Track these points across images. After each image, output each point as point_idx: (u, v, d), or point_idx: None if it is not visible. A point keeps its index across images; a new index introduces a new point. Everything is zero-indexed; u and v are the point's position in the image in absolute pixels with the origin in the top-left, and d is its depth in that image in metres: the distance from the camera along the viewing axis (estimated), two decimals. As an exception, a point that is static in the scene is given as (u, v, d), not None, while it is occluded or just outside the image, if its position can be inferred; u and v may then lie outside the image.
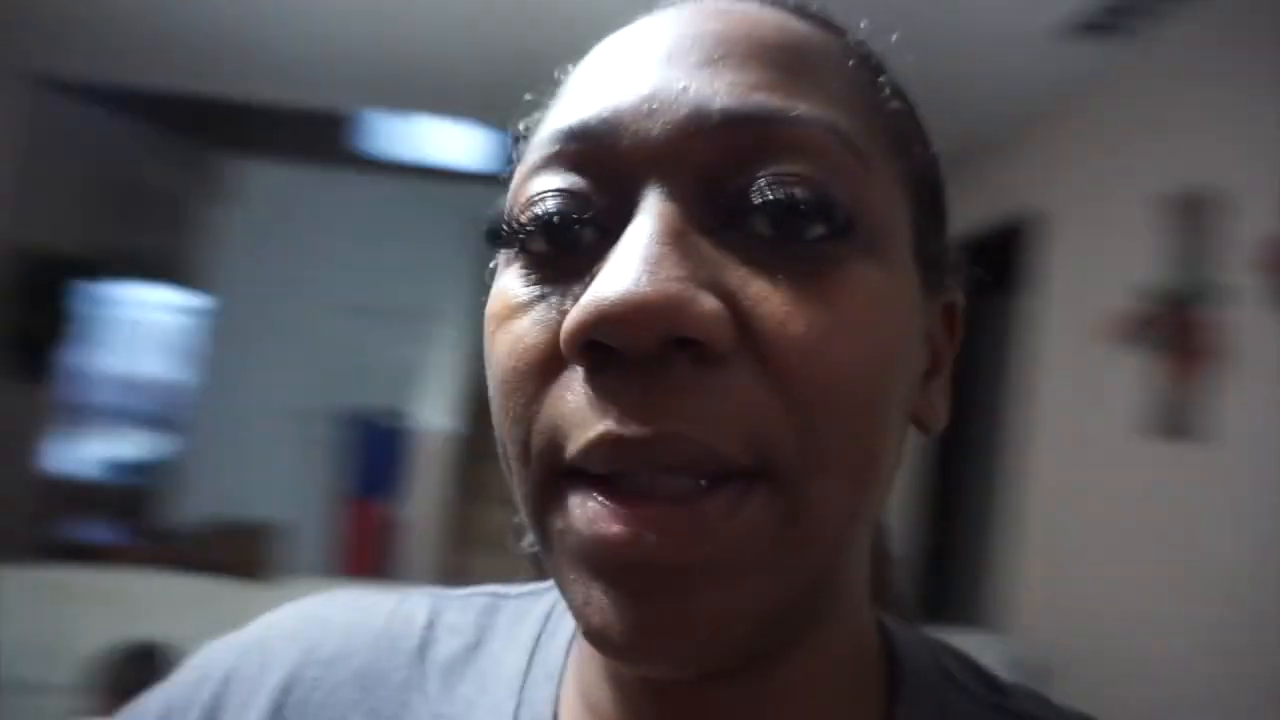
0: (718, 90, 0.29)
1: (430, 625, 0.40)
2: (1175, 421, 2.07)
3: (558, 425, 0.28)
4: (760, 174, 0.28)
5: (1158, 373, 2.14)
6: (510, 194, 0.33)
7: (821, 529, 0.28)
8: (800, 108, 0.29)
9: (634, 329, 0.26)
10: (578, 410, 0.28)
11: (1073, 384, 2.46)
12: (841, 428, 0.28)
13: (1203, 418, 2.00)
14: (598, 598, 0.28)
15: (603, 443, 0.27)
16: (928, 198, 0.35)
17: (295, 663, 0.39)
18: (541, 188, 0.30)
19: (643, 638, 0.27)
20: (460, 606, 0.42)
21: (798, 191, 0.28)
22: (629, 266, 0.26)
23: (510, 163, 0.36)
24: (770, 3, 0.34)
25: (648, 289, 0.26)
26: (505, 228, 0.31)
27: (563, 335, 0.27)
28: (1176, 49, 2.20)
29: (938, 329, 0.36)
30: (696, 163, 0.29)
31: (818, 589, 0.31)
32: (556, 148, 0.30)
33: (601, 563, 0.27)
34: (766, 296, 0.28)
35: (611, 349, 0.27)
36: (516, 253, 0.31)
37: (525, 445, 0.30)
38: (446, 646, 0.40)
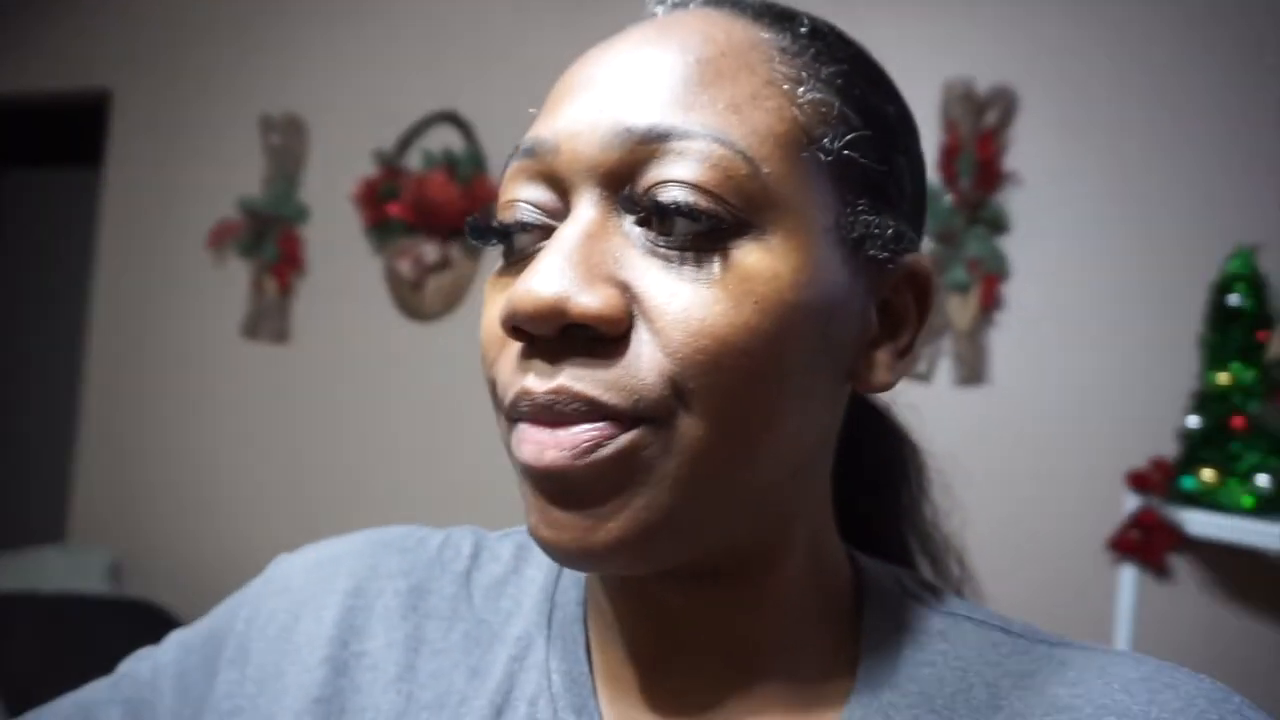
0: (627, 113, 0.35)
1: (475, 555, 0.48)
2: (274, 326, 2.33)
3: (501, 383, 0.37)
4: (655, 179, 0.35)
5: (256, 281, 2.35)
6: (499, 196, 0.40)
7: (698, 465, 0.34)
8: (692, 122, 0.35)
9: (535, 321, 0.34)
10: (510, 372, 0.36)
11: (163, 285, 2.49)
12: (718, 381, 0.34)
13: (289, 322, 2.32)
14: (532, 502, 0.36)
15: (522, 395, 0.35)
16: (858, 178, 0.38)
17: (363, 576, 0.47)
18: (511, 195, 0.38)
19: (560, 532, 0.35)
20: (501, 539, 0.49)
21: (679, 195, 0.34)
22: (539, 270, 0.34)
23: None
24: (713, 4, 0.41)
25: (542, 289, 0.33)
26: (478, 226, 0.39)
27: (498, 319, 0.36)
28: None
29: (898, 297, 0.41)
30: (610, 172, 0.35)
31: (738, 515, 0.37)
32: (520, 161, 0.38)
33: (529, 474, 0.36)
34: (655, 280, 0.34)
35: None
36: (498, 245, 0.39)
37: (494, 395, 0.38)
38: (489, 571, 0.47)
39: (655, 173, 0.35)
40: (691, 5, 0.41)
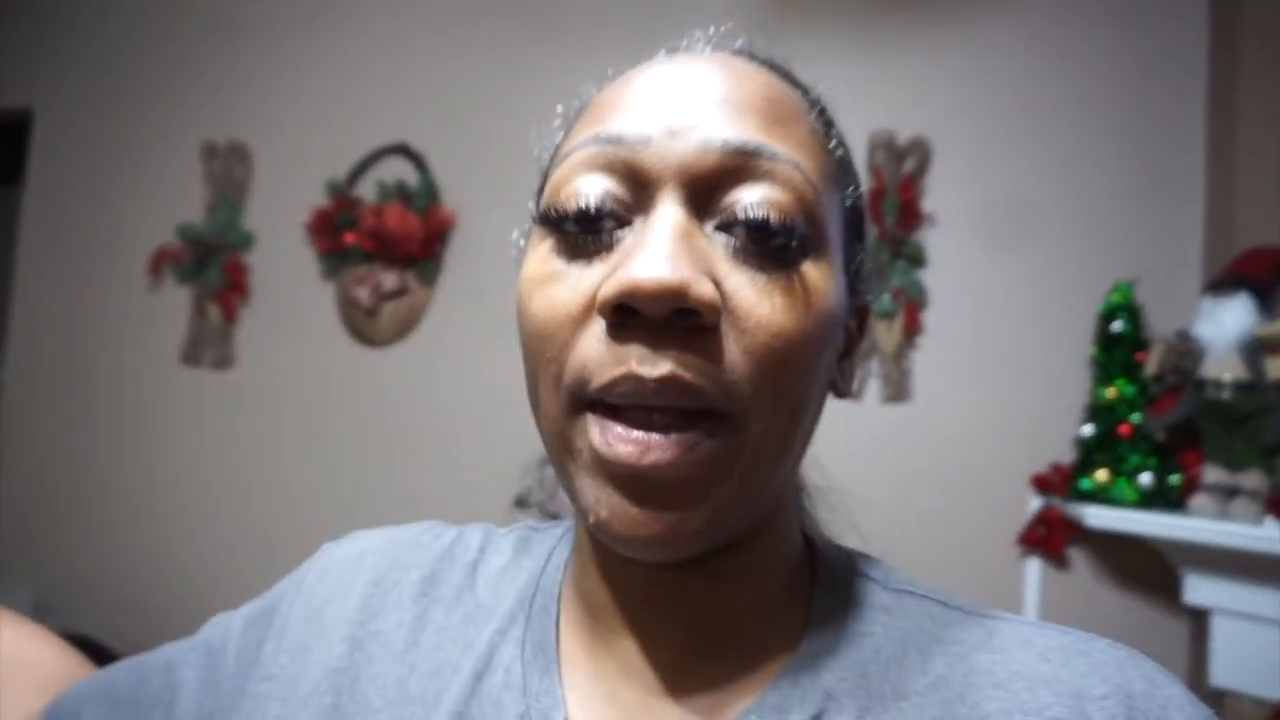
0: (721, 127, 0.38)
1: (482, 548, 0.52)
2: (217, 353, 2.32)
3: (585, 364, 0.37)
4: (744, 194, 0.38)
5: (198, 307, 2.34)
6: (553, 185, 0.41)
7: (759, 457, 0.38)
8: (777, 147, 0.39)
9: (657, 301, 0.35)
10: (603, 354, 0.37)
11: (90, 310, 2.43)
12: (785, 383, 0.38)
13: (233, 348, 2.32)
14: (607, 497, 0.37)
15: (625, 379, 0.36)
16: (854, 222, 0.45)
17: (385, 568, 0.51)
18: (582, 186, 0.39)
19: (640, 528, 0.37)
20: (505, 535, 0.54)
21: (769, 213, 0.37)
22: (655, 255, 0.36)
23: (547, 163, 0.46)
24: (754, 59, 0.45)
25: (668, 274, 0.35)
26: (552, 213, 0.39)
27: (601, 297, 0.36)
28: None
29: (852, 323, 0.47)
30: (700, 178, 0.38)
31: (758, 503, 0.41)
32: (596, 149, 0.39)
33: (613, 472, 0.37)
34: (743, 285, 0.37)
35: (633, 311, 0.36)
36: (550, 232, 0.40)
37: (558, 379, 0.38)
38: (492, 563, 0.51)
39: (745, 187, 0.38)
40: (726, 53, 0.45)
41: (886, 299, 1.99)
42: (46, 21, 2.55)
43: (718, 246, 0.38)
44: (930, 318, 2.00)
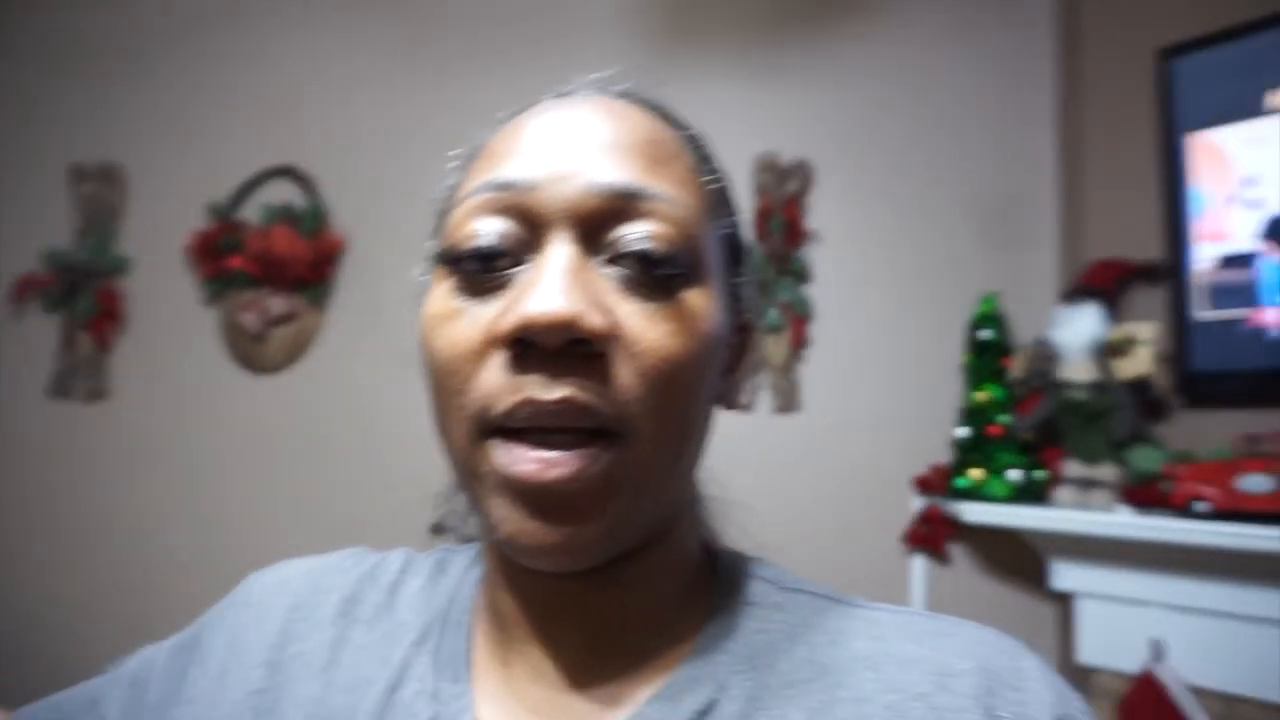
0: (605, 171, 0.41)
1: (403, 570, 0.54)
2: (90, 385, 2.20)
3: (487, 394, 0.40)
4: (628, 230, 0.41)
5: (67, 337, 2.22)
6: (451, 227, 0.43)
7: (651, 471, 0.41)
8: (657, 187, 0.42)
9: (550, 332, 0.38)
10: (504, 383, 0.40)
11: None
12: (673, 401, 0.41)
13: (108, 379, 2.21)
14: (512, 513, 0.40)
15: (525, 404, 0.39)
16: (732, 248, 0.49)
17: (304, 594, 0.53)
18: (478, 228, 0.42)
19: (548, 542, 0.40)
20: (425, 559, 0.56)
21: (652, 247, 0.41)
22: (548, 289, 0.39)
23: (440, 205, 0.48)
24: (637, 101, 0.48)
25: (561, 306, 0.38)
26: (452, 253, 0.43)
27: (500, 331, 0.39)
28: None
29: (736, 341, 0.50)
30: (587, 218, 0.41)
31: (651, 514, 0.43)
32: (490, 195, 0.42)
33: (517, 489, 0.39)
34: (632, 313, 0.41)
35: (530, 343, 0.39)
36: (451, 272, 0.43)
37: (463, 409, 0.41)
38: (412, 584, 0.53)
39: (630, 224, 0.41)
40: (608, 95, 0.48)
41: (774, 314, 2.07)
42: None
43: (608, 279, 0.41)
44: (816, 331, 2.10)
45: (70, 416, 2.22)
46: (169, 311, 2.23)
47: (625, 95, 0.48)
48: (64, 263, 2.22)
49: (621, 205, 0.41)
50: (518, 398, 0.39)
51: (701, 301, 0.43)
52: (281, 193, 2.22)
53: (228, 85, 2.28)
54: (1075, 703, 0.42)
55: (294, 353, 2.17)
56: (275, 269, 2.11)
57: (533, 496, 0.39)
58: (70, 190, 2.26)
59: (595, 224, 0.41)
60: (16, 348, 2.25)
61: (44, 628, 2.08)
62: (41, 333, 2.24)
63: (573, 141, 0.43)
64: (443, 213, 0.48)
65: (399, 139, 2.20)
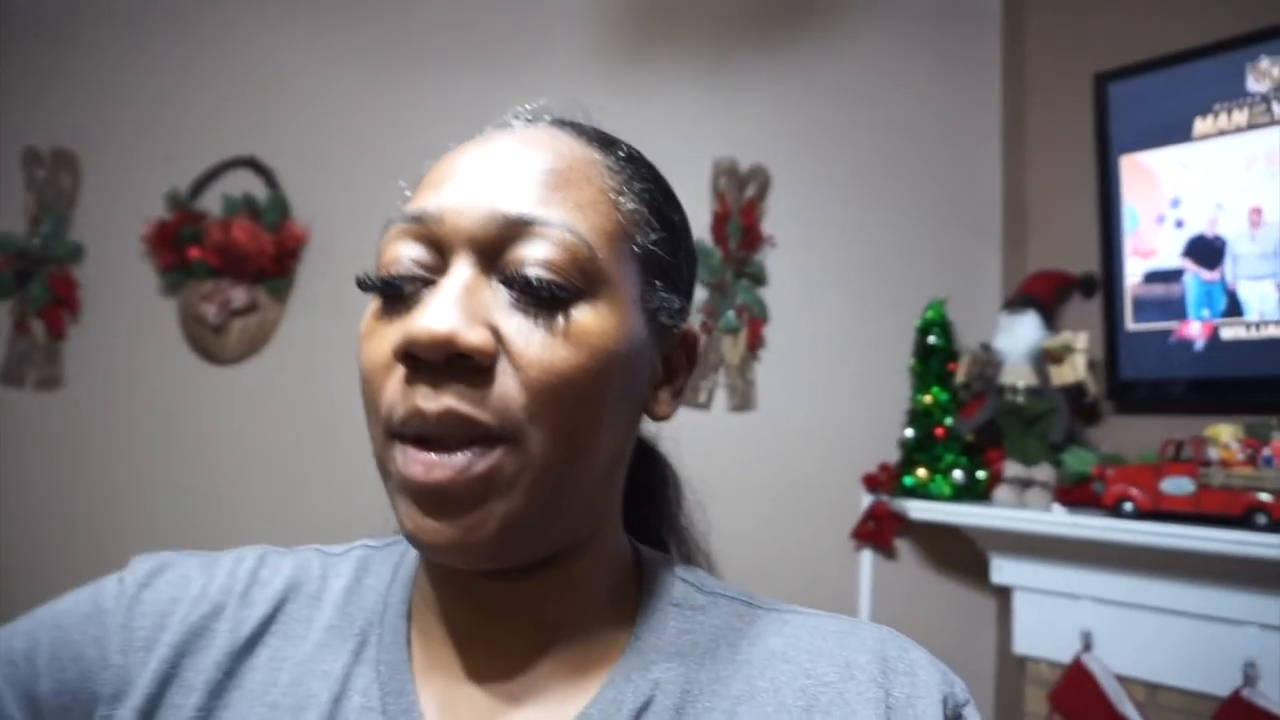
0: (502, 201, 0.45)
1: (323, 575, 0.54)
2: (43, 372, 2.17)
3: (389, 403, 0.44)
4: (520, 254, 0.44)
5: (19, 323, 2.19)
6: (377, 253, 0.47)
7: (545, 474, 0.44)
8: (551, 215, 0.45)
9: (430, 349, 0.42)
10: (399, 394, 0.44)
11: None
12: (560, 410, 0.43)
13: (61, 367, 2.19)
14: (410, 512, 0.43)
15: (412, 414, 0.43)
16: (656, 267, 0.50)
17: (211, 612, 0.51)
18: (394, 254, 0.46)
19: (436, 535, 0.43)
20: (341, 557, 0.56)
21: (539, 270, 0.44)
22: (433, 309, 0.42)
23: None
24: (568, 128, 0.51)
25: (439, 325, 0.41)
26: (369, 279, 0.46)
27: (394, 348, 0.43)
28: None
29: (676, 354, 0.53)
30: (485, 243, 0.44)
31: (555, 516, 0.46)
32: (404, 225, 0.46)
33: (411, 489, 0.43)
34: (519, 329, 0.43)
35: (417, 358, 0.43)
36: (377, 293, 0.47)
37: (377, 415, 0.45)
38: (335, 588, 0.53)
39: (521, 250, 0.44)
40: (540, 124, 0.51)
41: (731, 315, 2.13)
42: None
43: (501, 297, 0.44)
44: (771, 332, 2.16)
45: (23, 403, 2.19)
46: (126, 300, 2.21)
47: (558, 123, 0.52)
48: (16, 248, 2.18)
49: (514, 232, 0.44)
50: (407, 407, 0.43)
51: (595, 318, 0.45)
52: (243, 183, 2.22)
53: (189, 73, 2.27)
54: (958, 683, 0.48)
55: (254, 344, 2.17)
56: (236, 260, 2.11)
57: (423, 495, 0.43)
58: (24, 175, 2.22)
59: (493, 248, 0.44)
60: (-36, 334, 2.20)
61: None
62: (-8, 318, 2.20)
63: (481, 174, 0.46)
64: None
65: (363, 133, 2.21)
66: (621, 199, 0.48)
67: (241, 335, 2.16)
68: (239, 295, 2.12)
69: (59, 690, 0.49)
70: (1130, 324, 1.83)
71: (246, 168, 2.22)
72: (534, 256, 0.44)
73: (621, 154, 0.51)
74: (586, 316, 0.45)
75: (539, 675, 0.48)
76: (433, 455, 0.42)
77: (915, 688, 0.47)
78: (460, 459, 0.42)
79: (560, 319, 0.44)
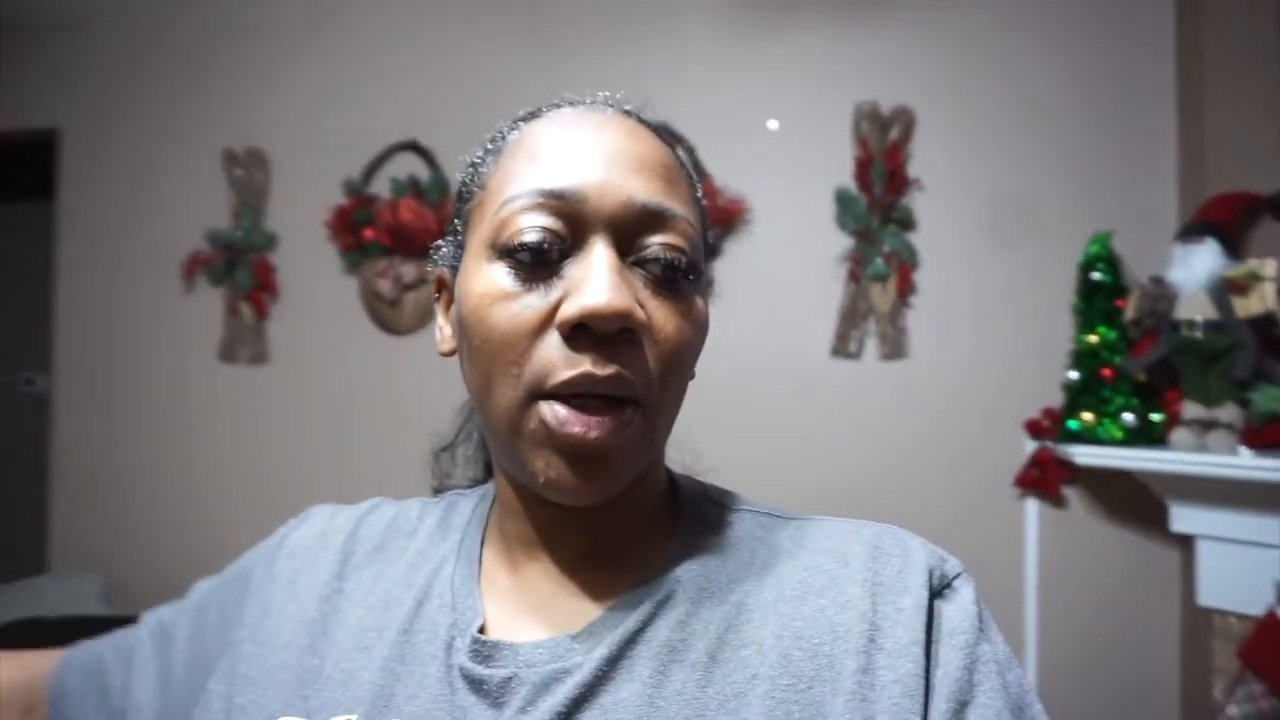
0: (639, 190, 0.50)
1: (420, 517, 0.64)
2: (252, 350, 2.46)
3: (544, 365, 0.48)
4: (656, 241, 0.50)
5: (231, 307, 2.48)
6: (502, 221, 0.50)
7: (657, 430, 0.52)
8: (677, 208, 0.51)
9: (609, 321, 0.47)
10: (560, 358, 0.48)
11: (129, 315, 2.58)
12: (677, 379, 0.52)
13: (266, 344, 2.46)
14: (554, 462, 0.49)
15: (585, 377, 0.47)
16: (709, 258, 0.58)
17: (345, 542, 0.63)
18: (531, 223, 0.49)
19: (581, 485, 0.49)
20: (435, 504, 0.66)
21: (675, 257, 0.50)
22: (603, 285, 0.47)
23: (466, 188, 0.56)
24: (641, 122, 0.56)
25: (618, 301, 0.47)
26: (508, 244, 0.50)
27: (564, 317, 0.47)
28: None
29: None
30: (624, 227, 0.50)
31: (654, 462, 0.56)
32: (540, 200, 0.50)
33: (561, 444, 0.48)
34: (658, 309, 0.50)
35: (585, 327, 0.47)
36: (500, 257, 0.50)
37: (517, 377, 0.49)
38: (428, 524, 0.63)
39: (655, 236, 0.50)
40: (617, 111, 0.56)
41: (879, 262, 2.09)
42: (66, 44, 2.67)
43: (637, 278, 0.50)
44: (922, 278, 2.10)
45: (238, 378, 2.49)
46: (315, 281, 2.45)
47: (631, 114, 0.56)
48: (223, 240, 2.47)
49: (651, 219, 0.50)
50: (576, 371, 0.47)
51: (701, 300, 0.53)
52: (408, 166, 2.39)
53: (353, 66, 2.46)
54: (951, 561, 0.53)
55: (426, 315, 2.35)
56: (405, 238, 2.29)
57: (574, 450, 0.48)
58: (226, 174, 2.50)
59: (628, 232, 0.50)
60: (191, 318, 2.52)
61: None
62: (209, 304, 2.51)
63: (609, 158, 0.51)
64: (468, 197, 0.56)
65: (513, 107, 2.31)
66: (698, 196, 0.56)
67: (414, 307, 2.34)
68: (409, 270, 2.30)
69: (222, 605, 0.64)
70: (1331, 246, 1.64)
71: (410, 151, 2.39)
72: (669, 243, 0.50)
73: (682, 153, 0.59)
74: (699, 301, 0.53)
75: (591, 574, 0.55)
76: (592, 416, 0.47)
77: (906, 567, 0.51)
78: (618, 419, 0.48)
79: (685, 300, 0.51)
